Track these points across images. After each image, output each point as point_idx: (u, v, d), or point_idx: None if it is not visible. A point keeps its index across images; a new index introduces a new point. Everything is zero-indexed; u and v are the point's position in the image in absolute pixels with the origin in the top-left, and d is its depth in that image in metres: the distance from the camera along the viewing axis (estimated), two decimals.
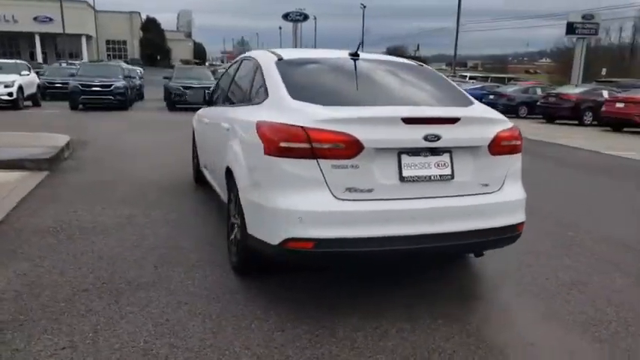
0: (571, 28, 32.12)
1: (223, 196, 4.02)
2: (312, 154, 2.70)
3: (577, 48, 32.95)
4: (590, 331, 2.90)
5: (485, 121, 3.05)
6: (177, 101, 17.18)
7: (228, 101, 4.33)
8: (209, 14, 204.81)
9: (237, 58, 4.82)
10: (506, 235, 3.05)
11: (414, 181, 2.82)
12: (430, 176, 2.85)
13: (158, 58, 68.92)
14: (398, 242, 2.75)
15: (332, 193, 2.72)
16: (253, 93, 3.61)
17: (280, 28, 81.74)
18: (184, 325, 2.80)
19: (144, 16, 74.29)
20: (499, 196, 3.03)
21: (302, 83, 3.28)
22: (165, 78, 21.43)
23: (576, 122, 17.46)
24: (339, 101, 3.05)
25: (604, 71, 37.97)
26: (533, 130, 15.17)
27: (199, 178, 5.94)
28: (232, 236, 3.55)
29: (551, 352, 2.68)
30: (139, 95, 22.14)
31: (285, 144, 2.73)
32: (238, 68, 4.39)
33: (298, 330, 2.78)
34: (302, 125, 2.73)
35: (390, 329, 2.82)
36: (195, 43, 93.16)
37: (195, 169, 6.07)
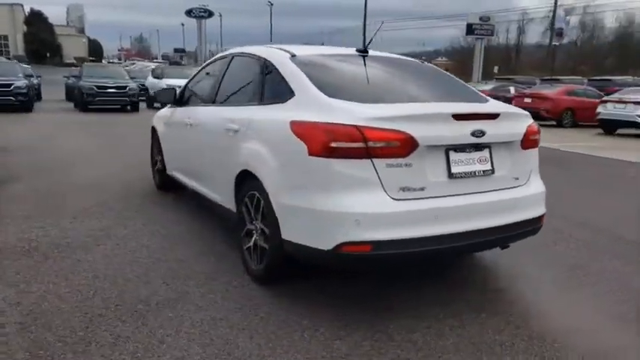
0: (470, 29, 34.50)
1: (226, 201, 3.78)
2: (367, 153, 2.60)
3: (476, 47, 35.45)
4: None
5: (518, 117, 3.14)
6: (90, 102, 16.02)
7: (221, 102, 4.06)
8: (102, 9, 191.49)
9: (222, 55, 4.54)
10: (532, 227, 3.17)
11: (461, 177, 2.84)
12: (475, 172, 2.89)
13: (47, 55, 63.42)
14: (450, 240, 2.75)
15: (387, 194, 2.65)
16: (267, 92, 3.41)
17: (183, 24, 79.18)
18: (234, 343, 2.59)
19: (27, 9, 67.93)
20: (527, 189, 3.14)
21: (328, 80, 3.15)
22: (66, 77, 19.83)
23: None
24: (376, 98, 2.99)
25: (496, 69, 41.22)
26: None
27: (165, 184, 5.55)
28: (250, 244, 3.34)
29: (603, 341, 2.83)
30: (38, 96, 20.24)
31: (337, 144, 2.61)
32: (228, 66, 4.14)
33: (355, 336, 2.68)
34: (355, 124, 2.62)
35: (442, 327, 2.82)
36: (90, 40, 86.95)
37: (159, 174, 5.66)
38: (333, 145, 2.62)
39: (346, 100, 2.88)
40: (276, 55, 3.51)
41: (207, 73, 4.65)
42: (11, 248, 3.79)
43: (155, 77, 19.32)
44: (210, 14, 42.86)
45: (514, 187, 3.07)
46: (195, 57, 51.33)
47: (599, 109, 15.08)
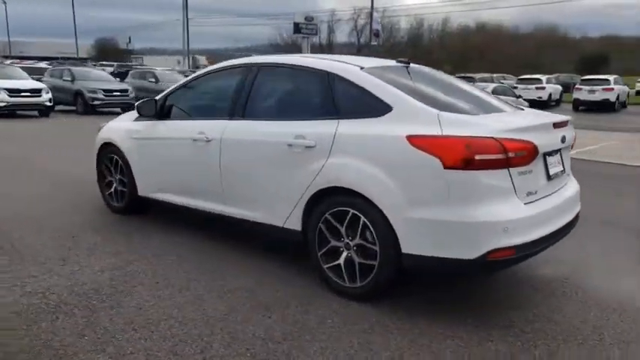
0: (297, 28, 35.87)
1: (276, 220, 3.59)
2: (506, 163, 2.81)
3: (303, 46, 37.01)
4: None
5: (571, 123, 3.62)
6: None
7: (260, 116, 3.77)
8: None
9: (232, 65, 4.14)
10: (577, 217, 3.67)
11: (553, 178, 3.22)
12: (558, 172, 3.30)
13: None
14: (555, 236, 3.11)
15: (520, 199, 2.89)
16: (346, 106, 3.30)
17: None
18: None
19: None
20: (575, 184, 3.66)
21: (416, 92, 3.23)
22: None
23: None
24: (468, 110, 3.22)
25: None
26: None
27: (131, 208, 4.89)
28: (338, 261, 3.27)
29: None
30: None
31: (481, 156, 2.76)
32: (255, 78, 3.84)
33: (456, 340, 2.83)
34: (493, 137, 2.80)
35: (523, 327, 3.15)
36: None
37: (120, 197, 4.95)
38: (477, 157, 2.75)
39: (451, 113, 3.03)
40: (344, 67, 3.44)
41: (212, 86, 4.25)
42: (34, 307, 3.03)
43: None
44: None
45: (571, 183, 3.57)
46: None
47: None
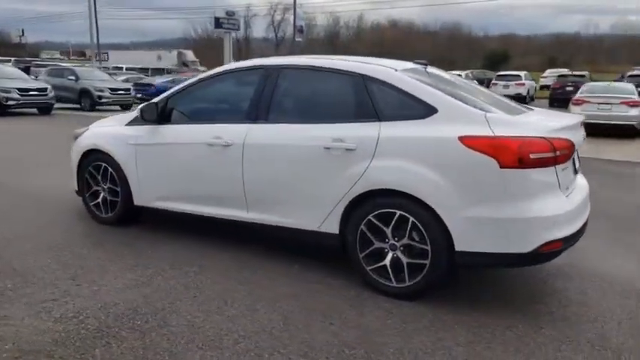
0: (218, 23, 35.04)
1: (311, 224, 3.56)
2: (555, 161, 2.99)
3: (225, 41, 36.24)
4: None
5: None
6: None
7: (286, 120, 3.70)
8: None
9: (246, 67, 4.00)
10: None
11: (577, 172, 3.47)
12: (577, 168, 3.55)
13: None
14: (585, 226, 3.35)
15: (563, 194, 3.09)
16: (386, 108, 3.32)
17: None
18: None
19: None
20: (582, 177, 3.96)
21: (453, 94, 3.34)
22: None
23: None
24: (503, 110, 3.36)
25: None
26: None
27: (123, 218, 4.60)
28: (383, 263, 3.31)
29: None
30: None
31: (536, 155, 2.92)
32: (277, 81, 3.75)
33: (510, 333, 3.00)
34: (544, 136, 2.97)
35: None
36: None
37: (110, 208, 4.62)
38: (532, 156, 2.91)
39: (500, 113, 3.19)
40: (379, 70, 3.46)
41: (224, 88, 4.09)
42: (75, 334, 2.77)
43: None
44: None
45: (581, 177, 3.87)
46: None
47: None
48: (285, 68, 3.82)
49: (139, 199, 4.43)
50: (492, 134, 3.00)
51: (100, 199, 4.70)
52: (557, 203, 3.05)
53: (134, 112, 4.49)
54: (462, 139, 3.02)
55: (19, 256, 3.86)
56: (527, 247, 2.96)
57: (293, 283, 3.53)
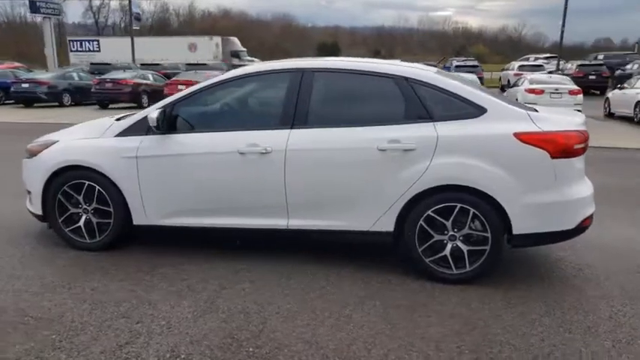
0: (35, 7, 30.87)
1: (364, 224, 3.65)
2: (584, 150, 3.55)
3: (45, 28, 32.10)
4: None
5: None
6: None
7: (331, 123, 3.65)
8: None
9: (272, 70, 3.81)
10: None
11: None
12: None
13: None
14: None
15: (586, 176, 3.68)
16: (437, 109, 3.52)
17: None
18: None
19: None
20: None
21: (492, 95, 3.70)
22: None
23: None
24: (532, 108, 3.81)
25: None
26: None
27: (115, 241, 4.08)
28: (443, 253, 3.57)
29: None
30: None
31: (578, 145, 3.44)
32: (312, 84, 3.67)
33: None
34: (578, 129, 3.50)
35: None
36: None
37: (109, 231, 4.04)
38: (575, 147, 3.42)
39: (527, 111, 3.63)
40: (422, 73, 3.66)
41: (247, 93, 3.85)
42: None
43: None
44: None
45: None
46: None
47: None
48: (319, 71, 3.77)
49: (140, 218, 3.95)
50: (541, 130, 3.43)
51: (81, 223, 4.06)
52: (587, 185, 3.65)
53: (125, 122, 3.98)
54: (517, 135, 3.41)
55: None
56: (572, 223, 3.50)
57: (358, 285, 3.58)
